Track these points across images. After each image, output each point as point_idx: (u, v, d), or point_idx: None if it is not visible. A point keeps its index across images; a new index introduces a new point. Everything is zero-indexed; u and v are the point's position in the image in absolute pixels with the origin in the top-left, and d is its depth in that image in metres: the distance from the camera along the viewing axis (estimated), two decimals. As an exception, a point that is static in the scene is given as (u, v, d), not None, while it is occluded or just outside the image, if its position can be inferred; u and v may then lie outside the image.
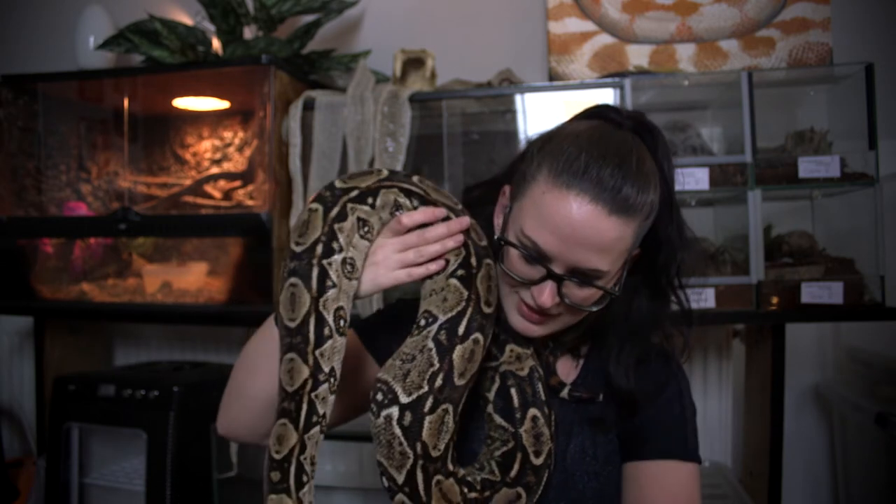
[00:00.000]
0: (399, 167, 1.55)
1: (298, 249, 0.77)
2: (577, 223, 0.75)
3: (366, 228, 0.82)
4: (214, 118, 1.87)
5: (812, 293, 1.42)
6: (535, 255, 0.78)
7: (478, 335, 0.79)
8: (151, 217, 1.72)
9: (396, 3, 1.97)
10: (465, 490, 0.79)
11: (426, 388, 0.77)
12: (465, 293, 0.80)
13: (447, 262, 0.81)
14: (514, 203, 0.83)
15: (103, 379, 1.72)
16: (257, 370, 0.85)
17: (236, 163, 1.80)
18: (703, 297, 1.44)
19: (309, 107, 1.62)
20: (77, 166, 1.91)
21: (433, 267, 0.80)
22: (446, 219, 0.81)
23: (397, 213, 0.82)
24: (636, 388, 0.86)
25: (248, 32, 1.79)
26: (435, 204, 0.83)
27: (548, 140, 0.83)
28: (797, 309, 1.43)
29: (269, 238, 1.59)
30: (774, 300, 1.44)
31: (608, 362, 0.88)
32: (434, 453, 0.78)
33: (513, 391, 0.83)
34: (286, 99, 1.65)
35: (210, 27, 1.78)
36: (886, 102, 1.46)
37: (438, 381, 0.77)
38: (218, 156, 1.84)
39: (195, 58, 1.67)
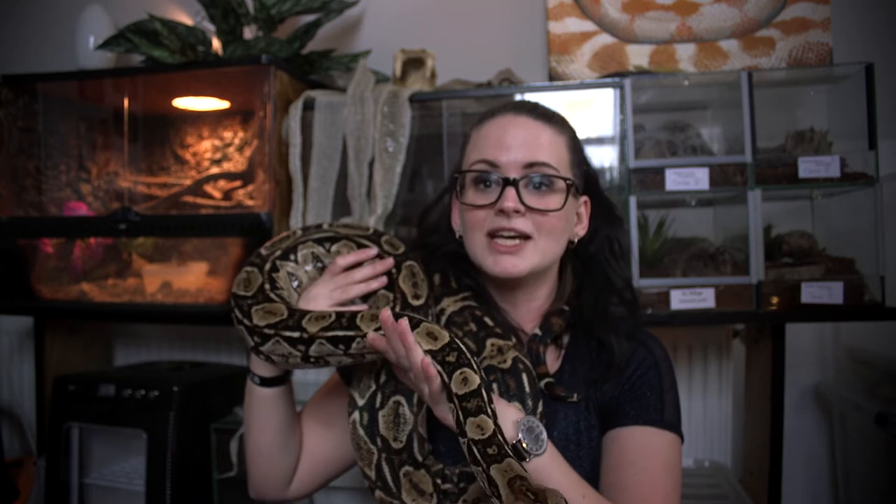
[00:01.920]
0: (399, 167, 1.55)
1: (248, 293, 0.88)
2: (510, 129, 0.88)
3: (296, 282, 0.95)
4: (214, 118, 1.87)
5: (812, 293, 1.42)
6: (488, 170, 0.87)
7: None
8: (151, 217, 1.72)
9: (396, 3, 1.97)
10: (439, 481, 0.82)
11: (374, 387, 0.85)
12: (391, 295, 0.90)
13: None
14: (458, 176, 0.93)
15: (103, 379, 1.72)
16: (250, 426, 0.94)
17: (236, 163, 1.80)
18: (703, 297, 1.44)
19: (309, 107, 1.62)
20: (77, 166, 1.91)
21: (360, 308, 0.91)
22: (379, 256, 0.94)
23: (336, 259, 0.93)
24: (616, 347, 0.89)
25: (248, 32, 1.79)
26: (347, 238, 0.96)
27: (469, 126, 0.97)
28: (797, 309, 1.43)
29: (269, 238, 1.58)
30: (774, 300, 1.44)
31: (589, 317, 0.93)
32: (395, 445, 0.84)
33: (494, 386, 0.85)
34: (286, 99, 1.65)
35: (210, 27, 1.77)
36: (886, 102, 1.46)
37: (382, 377, 0.85)
38: (218, 156, 1.84)
39: (195, 58, 1.67)
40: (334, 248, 0.97)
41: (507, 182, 0.85)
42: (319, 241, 0.97)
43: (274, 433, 0.92)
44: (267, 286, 0.89)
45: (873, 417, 1.45)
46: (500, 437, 0.71)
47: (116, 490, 1.75)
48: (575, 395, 0.88)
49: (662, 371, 0.90)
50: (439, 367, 0.74)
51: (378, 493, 0.85)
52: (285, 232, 1.05)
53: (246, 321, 0.83)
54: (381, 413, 0.85)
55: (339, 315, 0.80)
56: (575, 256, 0.97)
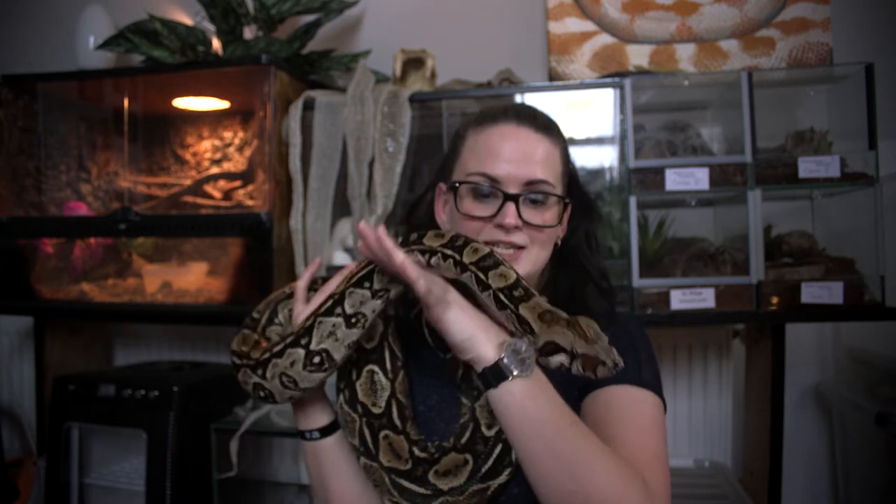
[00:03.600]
0: (399, 167, 1.55)
1: (245, 348, 0.93)
2: (512, 143, 0.88)
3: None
4: (214, 118, 1.87)
5: (812, 293, 1.42)
6: (488, 184, 0.88)
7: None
8: (151, 217, 1.72)
9: (396, 3, 1.97)
10: (416, 450, 0.85)
11: (349, 366, 0.90)
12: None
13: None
14: (451, 176, 0.94)
15: (103, 379, 1.72)
16: (330, 485, 0.92)
17: (236, 163, 1.80)
18: (703, 297, 1.44)
19: (309, 107, 1.62)
20: (77, 166, 1.91)
21: None
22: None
23: (296, 285, 0.95)
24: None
25: (248, 32, 1.79)
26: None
27: (462, 123, 0.97)
28: (797, 309, 1.43)
29: (269, 238, 1.59)
30: (774, 300, 1.44)
31: (566, 302, 0.92)
32: (375, 410, 0.87)
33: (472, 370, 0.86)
34: (286, 99, 1.65)
35: (210, 27, 1.78)
36: (886, 102, 1.46)
37: (354, 355, 0.89)
38: (218, 156, 1.84)
39: (195, 58, 1.67)
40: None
41: (507, 197, 0.87)
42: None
43: (355, 479, 0.92)
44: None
45: (873, 417, 1.45)
46: (523, 282, 0.74)
47: (116, 490, 1.75)
48: None
49: (634, 338, 0.91)
50: (450, 252, 0.78)
51: (362, 459, 0.88)
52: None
53: (288, 339, 0.85)
54: (358, 383, 0.89)
55: (357, 264, 0.86)
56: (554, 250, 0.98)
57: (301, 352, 0.83)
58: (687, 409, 1.78)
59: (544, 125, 0.91)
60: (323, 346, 0.83)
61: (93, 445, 1.81)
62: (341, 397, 0.91)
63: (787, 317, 1.47)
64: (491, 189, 0.87)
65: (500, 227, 0.87)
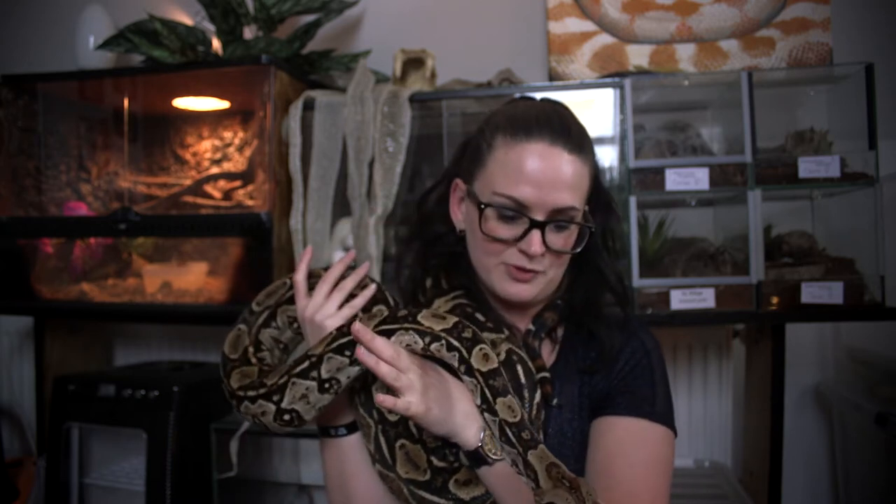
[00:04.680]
0: (399, 167, 1.55)
1: (234, 356, 0.91)
2: (544, 166, 0.84)
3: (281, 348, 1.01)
4: (214, 118, 1.87)
5: (812, 293, 1.42)
6: (516, 209, 0.85)
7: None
8: (151, 217, 1.72)
9: (396, 3, 1.97)
10: (435, 459, 0.83)
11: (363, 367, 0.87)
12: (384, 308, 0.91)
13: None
14: (474, 182, 0.91)
15: (103, 379, 1.72)
16: (352, 486, 0.91)
17: (236, 163, 1.80)
18: (703, 297, 1.44)
19: (309, 107, 1.62)
20: (77, 166, 1.91)
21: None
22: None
23: (295, 277, 0.96)
24: (607, 338, 0.90)
25: (248, 32, 1.79)
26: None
27: (489, 120, 0.92)
28: (797, 309, 1.43)
29: (269, 238, 1.59)
30: (774, 300, 1.44)
31: (580, 310, 0.94)
32: (391, 417, 0.85)
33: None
34: (286, 99, 1.65)
35: (210, 27, 1.78)
36: (886, 102, 1.46)
37: None
38: (218, 156, 1.84)
39: (195, 58, 1.67)
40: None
41: (533, 224, 0.85)
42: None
43: (378, 478, 0.91)
44: (251, 350, 0.94)
45: (873, 417, 1.45)
46: (527, 420, 0.75)
47: (116, 490, 1.75)
48: (555, 400, 0.88)
49: (653, 362, 0.90)
50: (457, 344, 0.77)
51: (377, 465, 0.86)
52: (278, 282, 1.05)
53: (261, 391, 0.83)
54: (374, 388, 0.86)
55: (338, 329, 0.82)
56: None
57: (272, 407, 0.82)
58: (687, 409, 1.78)
59: (578, 143, 0.87)
60: (294, 406, 0.82)
61: (93, 445, 1.81)
62: (356, 399, 0.88)
63: (787, 317, 1.47)
64: (517, 214, 0.85)
65: (523, 252, 0.85)
